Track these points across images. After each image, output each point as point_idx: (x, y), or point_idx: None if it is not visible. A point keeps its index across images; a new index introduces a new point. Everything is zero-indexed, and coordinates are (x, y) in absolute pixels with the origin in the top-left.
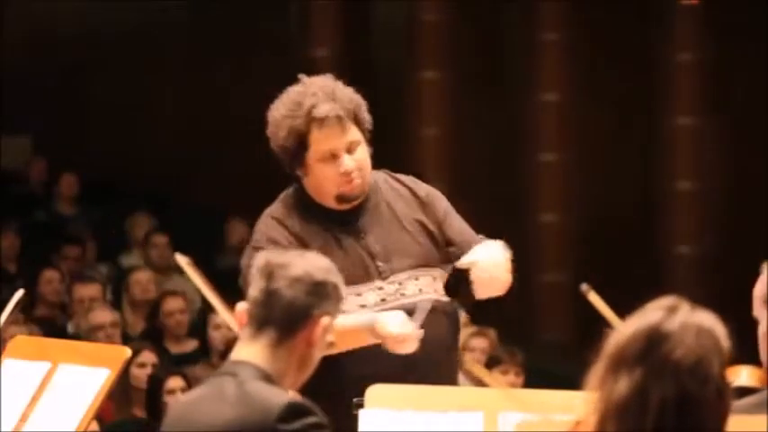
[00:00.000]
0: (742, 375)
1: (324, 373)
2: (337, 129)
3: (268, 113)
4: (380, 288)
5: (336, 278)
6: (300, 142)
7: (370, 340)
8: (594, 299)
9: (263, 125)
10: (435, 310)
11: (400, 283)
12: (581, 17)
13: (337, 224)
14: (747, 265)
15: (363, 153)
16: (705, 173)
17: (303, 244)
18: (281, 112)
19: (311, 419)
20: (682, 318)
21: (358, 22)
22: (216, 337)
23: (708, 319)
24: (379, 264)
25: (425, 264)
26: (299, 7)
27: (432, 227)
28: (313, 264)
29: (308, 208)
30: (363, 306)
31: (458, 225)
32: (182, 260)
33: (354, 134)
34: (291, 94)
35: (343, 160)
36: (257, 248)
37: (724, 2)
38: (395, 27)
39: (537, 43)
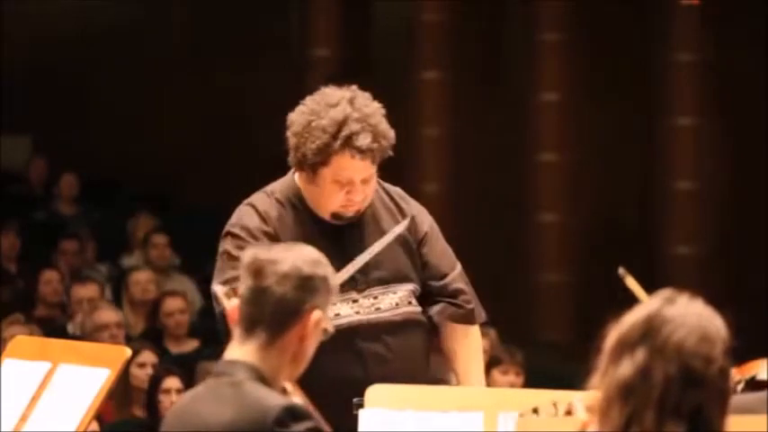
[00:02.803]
0: None
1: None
2: (365, 163)
3: (300, 108)
4: (355, 301)
5: (325, 270)
6: (324, 159)
7: None
8: (632, 283)
9: (263, 125)
10: (409, 322)
11: (375, 297)
12: (581, 17)
13: (318, 228)
14: (747, 265)
15: (373, 185)
16: (705, 173)
17: (275, 241)
18: (319, 123)
19: (308, 423)
20: (681, 305)
21: (358, 22)
22: None
23: (706, 308)
24: (356, 275)
25: (404, 278)
26: (300, 7)
27: (412, 243)
28: (301, 257)
29: (294, 207)
30: (337, 315)
31: (439, 248)
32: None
33: (374, 168)
34: (336, 109)
35: (356, 190)
36: (231, 235)
37: (724, 2)
38: (395, 27)
39: (537, 43)
